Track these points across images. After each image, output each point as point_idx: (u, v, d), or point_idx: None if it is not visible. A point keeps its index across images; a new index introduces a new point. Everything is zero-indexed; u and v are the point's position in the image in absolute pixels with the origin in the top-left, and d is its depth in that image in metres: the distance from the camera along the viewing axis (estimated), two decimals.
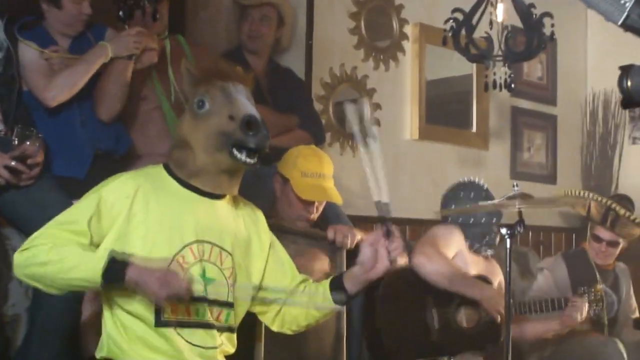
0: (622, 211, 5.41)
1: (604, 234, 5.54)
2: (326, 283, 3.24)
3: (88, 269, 2.91)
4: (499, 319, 4.43)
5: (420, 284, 4.56)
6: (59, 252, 2.94)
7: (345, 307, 3.95)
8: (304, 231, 4.16)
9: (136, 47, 4.01)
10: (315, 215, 4.22)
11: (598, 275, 5.52)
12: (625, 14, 2.08)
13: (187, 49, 4.51)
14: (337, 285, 3.20)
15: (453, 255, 4.66)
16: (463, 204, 4.74)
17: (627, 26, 2.13)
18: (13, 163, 3.66)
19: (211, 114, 3.09)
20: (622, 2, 2.10)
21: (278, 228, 3.99)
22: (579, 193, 5.67)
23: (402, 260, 3.11)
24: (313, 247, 4.10)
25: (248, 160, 3.05)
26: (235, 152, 3.04)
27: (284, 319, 3.35)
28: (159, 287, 2.88)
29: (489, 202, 4.44)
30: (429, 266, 4.48)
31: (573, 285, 5.48)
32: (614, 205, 5.44)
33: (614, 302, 5.60)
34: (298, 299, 3.32)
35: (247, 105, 3.09)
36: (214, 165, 3.12)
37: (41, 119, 3.92)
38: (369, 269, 3.10)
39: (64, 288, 3.02)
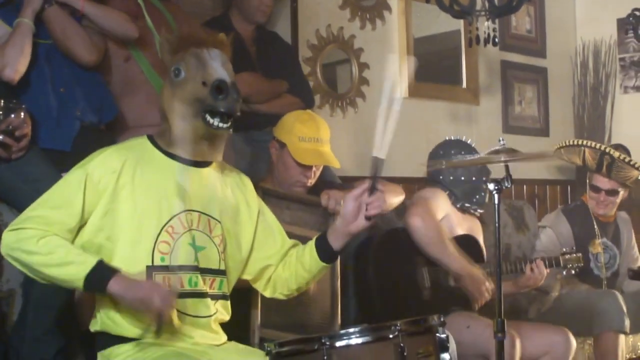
0: (616, 154, 5.41)
1: (603, 182, 5.55)
2: (312, 243, 3.24)
3: (71, 272, 2.93)
4: (476, 305, 4.50)
5: (411, 244, 4.59)
6: (47, 245, 2.94)
7: (339, 270, 4.02)
8: (298, 197, 4.14)
9: None
10: (312, 180, 4.21)
11: (597, 229, 5.53)
12: None
13: (160, 6, 4.44)
14: (322, 243, 3.21)
15: (441, 218, 4.68)
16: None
17: None
18: (1, 137, 3.64)
19: (187, 81, 3.11)
20: None
21: (273, 193, 4.00)
22: (573, 142, 5.65)
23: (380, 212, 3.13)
24: (306, 212, 4.06)
25: (221, 124, 3.06)
26: (208, 117, 3.06)
27: (275, 284, 3.37)
28: (142, 305, 2.92)
29: (475, 157, 4.42)
30: (424, 231, 4.53)
31: (576, 240, 5.49)
32: (607, 149, 5.44)
33: (616, 255, 5.60)
34: (287, 262, 3.34)
35: (217, 70, 3.10)
36: (191, 132, 3.12)
37: (22, 94, 3.86)
38: (350, 222, 3.12)
39: (44, 279, 3.02)
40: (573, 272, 4.90)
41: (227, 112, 3.04)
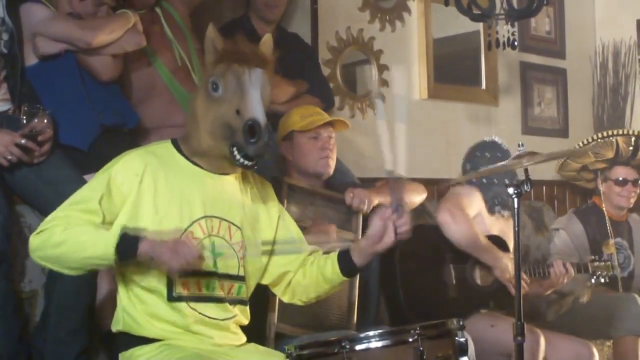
0: None
1: (628, 173, 5.62)
2: (334, 256, 3.25)
3: (101, 246, 2.92)
4: (511, 288, 4.44)
5: (438, 241, 4.60)
6: (72, 232, 2.96)
7: (357, 277, 4.01)
8: (323, 193, 4.16)
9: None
10: (332, 154, 4.19)
11: (610, 230, 5.53)
12: None
13: (176, 15, 4.50)
14: (345, 258, 3.21)
15: (473, 216, 4.67)
16: (483, 164, 4.70)
17: None
18: (23, 141, 3.67)
19: (222, 101, 3.09)
20: None
21: (298, 189, 4.05)
22: (606, 133, 5.85)
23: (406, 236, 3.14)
24: (330, 209, 4.07)
25: (245, 162, 3.06)
26: (236, 152, 3.05)
27: (294, 290, 3.38)
28: (170, 257, 2.90)
29: (497, 164, 4.42)
30: (453, 226, 4.51)
31: (590, 241, 5.50)
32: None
33: (630, 255, 5.60)
34: (308, 270, 3.33)
35: (254, 104, 3.05)
36: (217, 150, 3.13)
37: (46, 94, 3.93)
38: (376, 242, 3.13)
39: (79, 267, 3.04)
40: (603, 280, 4.86)
41: (255, 156, 3.04)
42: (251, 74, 3.11)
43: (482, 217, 4.74)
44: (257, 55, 3.16)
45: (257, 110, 3.03)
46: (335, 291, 3.72)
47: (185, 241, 2.98)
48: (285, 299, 3.43)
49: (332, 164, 4.19)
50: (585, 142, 5.99)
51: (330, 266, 3.24)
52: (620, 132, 5.84)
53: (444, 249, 4.61)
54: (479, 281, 4.61)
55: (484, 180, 4.78)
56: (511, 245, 4.73)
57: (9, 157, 3.66)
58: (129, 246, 2.91)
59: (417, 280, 4.58)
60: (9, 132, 3.67)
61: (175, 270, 2.96)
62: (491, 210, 4.78)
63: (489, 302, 4.56)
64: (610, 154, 5.75)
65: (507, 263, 4.46)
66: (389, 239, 3.11)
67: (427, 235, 4.66)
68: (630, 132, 5.74)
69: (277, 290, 3.42)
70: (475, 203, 4.72)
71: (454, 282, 4.61)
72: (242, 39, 3.19)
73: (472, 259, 4.58)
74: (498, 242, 4.64)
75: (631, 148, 5.73)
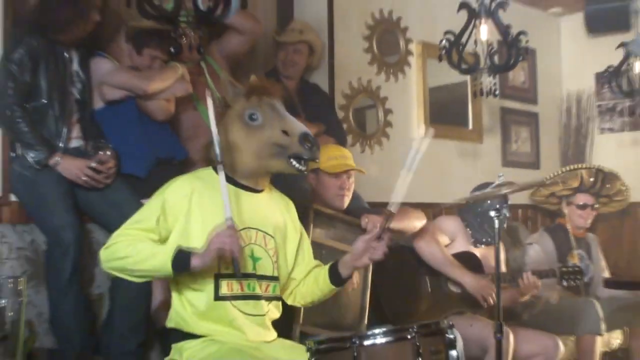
0: (606, 169, 5.71)
1: (588, 200, 5.68)
2: (326, 269, 3.27)
3: (159, 260, 2.93)
4: (485, 305, 4.43)
5: (415, 259, 4.59)
6: (135, 248, 2.97)
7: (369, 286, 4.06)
8: (343, 218, 4.13)
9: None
10: (349, 193, 4.18)
11: (574, 244, 5.56)
12: None
13: (216, 67, 4.53)
14: (333, 270, 3.23)
15: (450, 241, 4.67)
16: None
17: None
18: (94, 164, 3.76)
19: (264, 127, 3.11)
20: None
21: (323, 214, 4.03)
22: (573, 167, 5.96)
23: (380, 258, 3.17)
24: (348, 232, 4.05)
25: (302, 167, 3.11)
26: (293, 161, 3.08)
27: (295, 295, 3.39)
28: (218, 249, 2.89)
29: (480, 192, 4.40)
30: (426, 250, 4.52)
31: (558, 253, 5.52)
32: (600, 167, 5.69)
33: (588, 265, 5.61)
34: (306, 280, 3.36)
35: (297, 123, 3.13)
36: (263, 168, 3.16)
37: (111, 132, 3.97)
38: (356, 259, 3.16)
39: (142, 277, 3.05)
40: (574, 283, 4.84)
41: (312, 158, 3.09)
42: (278, 103, 3.18)
43: (462, 240, 4.72)
44: (277, 88, 3.23)
45: (301, 126, 3.11)
46: (350, 296, 3.73)
47: (220, 233, 2.94)
48: (288, 302, 3.41)
49: (347, 200, 4.17)
50: (555, 173, 5.98)
51: (322, 277, 3.26)
52: (585, 166, 5.90)
53: (420, 264, 4.59)
54: (453, 289, 4.58)
55: (471, 213, 4.78)
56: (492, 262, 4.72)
57: (83, 178, 3.73)
58: (182, 261, 2.92)
59: (397, 290, 4.54)
60: (82, 159, 3.76)
61: (228, 251, 2.92)
62: (476, 245, 4.77)
63: (461, 306, 4.51)
64: (575, 184, 5.79)
65: (471, 280, 4.43)
66: (365, 259, 3.14)
67: (406, 254, 4.64)
68: (592, 167, 5.82)
69: (284, 295, 3.39)
70: (450, 228, 4.74)
71: (429, 290, 4.59)
72: (263, 77, 3.24)
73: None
74: (467, 256, 4.62)
75: (592, 179, 5.77)
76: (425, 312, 4.38)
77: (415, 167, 3.09)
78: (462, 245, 4.71)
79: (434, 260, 4.50)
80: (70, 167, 3.71)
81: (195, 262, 2.91)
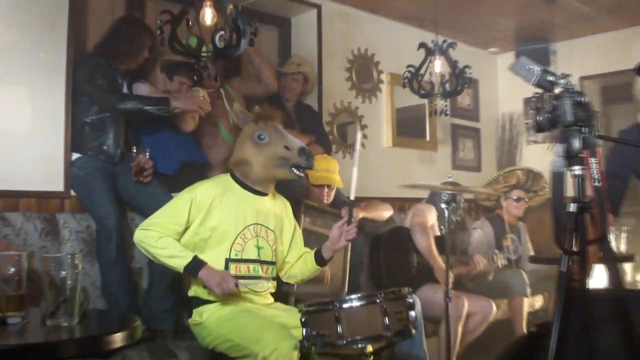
0: (535, 170, 5.79)
1: (522, 194, 5.70)
2: (312, 252, 3.28)
3: (175, 263, 2.98)
4: (439, 274, 4.42)
5: (407, 239, 4.61)
6: (163, 243, 2.98)
7: (348, 263, 4.06)
8: (327, 209, 4.15)
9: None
10: (327, 198, 4.17)
11: (508, 229, 5.56)
12: (535, 77, 2.37)
13: (233, 94, 4.50)
14: (318, 254, 3.24)
15: (430, 225, 4.68)
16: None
17: (537, 85, 2.39)
18: (135, 169, 3.74)
19: (270, 144, 3.12)
20: (533, 70, 2.37)
21: (311, 207, 4.04)
22: (511, 168, 5.94)
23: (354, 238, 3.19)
24: (332, 220, 4.05)
25: (301, 174, 3.14)
26: (294, 170, 3.10)
27: (288, 275, 3.39)
28: (216, 286, 2.95)
29: (433, 184, 4.45)
30: (420, 240, 4.53)
31: (495, 236, 5.54)
32: (531, 168, 5.82)
33: (519, 246, 5.61)
34: (297, 263, 3.37)
35: (295, 140, 3.15)
36: (270, 176, 3.17)
37: (148, 141, 3.95)
38: (334, 243, 3.17)
39: (159, 263, 3.06)
40: (500, 264, 4.97)
41: (308, 167, 3.12)
42: (279, 125, 3.20)
43: (434, 226, 4.73)
44: (277, 115, 3.23)
45: (299, 142, 3.14)
46: (335, 264, 3.72)
47: (228, 276, 2.98)
48: (283, 279, 3.41)
49: (328, 200, 4.19)
50: (499, 173, 5.97)
51: (309, 259, 3.27)
52: (520, 167, 5.91)
53: (411, 244, 4.60)
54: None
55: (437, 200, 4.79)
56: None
57: (141, 179, 3.75)
58: (193, 269, 2.97)
59: (393, 261, 4.57)
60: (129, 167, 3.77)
61: (217, 294, 2.98)
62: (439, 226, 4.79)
63: (434, 278, 4.51)
64: (513, 181, 5.79)
65: (440, 265, 4.43)
66: (342, 242, 3.15)
67: (401, 234, 4.66)
68: (525, 168, 5.84)
69: (280, 273, 3.39)
70: (432, 216, 4.73)
71: (415, 264, 4.59)
72: (267, 106, 3.26)
73: None
74: (440, 241, 4.63)
75: (525, 178, 5.78)
76: (410, 280, 4.37)
77: (358, 163, 3.10)
78: (435, 230, 4.71)
79: (424, 249, 4.52)
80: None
81: (202, 274, 2.97)
